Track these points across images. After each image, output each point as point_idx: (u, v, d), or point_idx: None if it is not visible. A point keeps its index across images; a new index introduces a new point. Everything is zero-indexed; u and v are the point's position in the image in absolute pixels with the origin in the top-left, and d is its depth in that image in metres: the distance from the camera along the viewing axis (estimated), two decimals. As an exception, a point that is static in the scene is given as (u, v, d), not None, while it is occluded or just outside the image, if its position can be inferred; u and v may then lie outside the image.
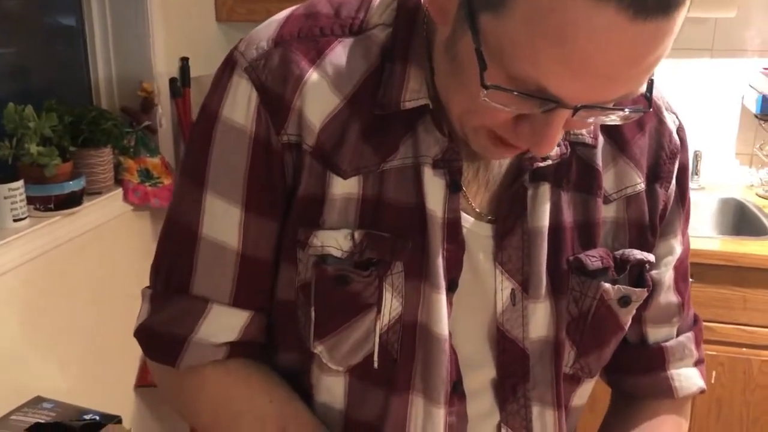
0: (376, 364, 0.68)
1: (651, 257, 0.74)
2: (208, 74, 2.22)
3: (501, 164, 0.69)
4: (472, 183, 0.69)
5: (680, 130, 0.76)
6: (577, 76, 0.51)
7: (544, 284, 0.69)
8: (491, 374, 0.71)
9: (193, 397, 0.72)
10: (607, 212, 0.72)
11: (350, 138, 0.64)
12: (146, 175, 1.98)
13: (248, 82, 0.64)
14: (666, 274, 0.77)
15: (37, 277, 1.67)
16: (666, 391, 0.80)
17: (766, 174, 2.25)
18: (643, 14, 0.48)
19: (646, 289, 0.74)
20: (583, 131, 0.69)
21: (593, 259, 0.70)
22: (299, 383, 0.73)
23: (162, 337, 0.69)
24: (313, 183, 0.65)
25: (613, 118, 0.57)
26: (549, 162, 0.68)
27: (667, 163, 0.74)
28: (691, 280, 0.82)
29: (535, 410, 0.73)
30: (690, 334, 0.81)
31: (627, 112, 0.56)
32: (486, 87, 0.54)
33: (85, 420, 1.47)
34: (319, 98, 0.64)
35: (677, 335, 0.80)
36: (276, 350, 0.75)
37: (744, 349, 1.93)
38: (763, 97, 2.09)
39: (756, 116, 2.18)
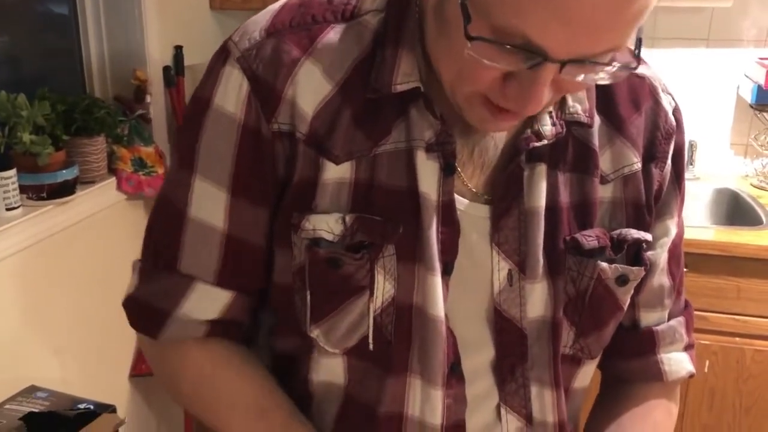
0: (371, 347, 0.69)
1: (648, 236, 0.74)
2: (202, 63, 2.21)
3: (497, 145, 0.70)
4: (468, 165, 0.69)
5: (676, 111, 0.77)
6: (562, 24, 0.50)
7: (541, 264, 0.70)
8: (490, 355, 0.72)
9: (175, 373, 0.75)
10: (604, 192, 0.73)
11: (342, 123, 0.65)
12: (140, 164, 1.97)
13: (240, 71, 0.66)
14: (661, 256, 0.78)
15: (31, 266, 1.67)
16: (656, 375, 0.81)
17: (760, 164, 2.26)
18: None
19: (643, 268, 0.74)
20: (579, 110, 0.70)
21: (590, 238, 0.71)
22: (298, 366, 0.74)
23: (147, 310, 0.72)
24: (306, 169, 0.66)
25: (602, 76, 0.57)
26: (545, 142, 0.68)
27: (663, 143, 0.74)
28: (685, 269, 0.82)
29: (534, 390, 0.73)
30: (681, 319, 0.82)
31: (615, 69, 0.56)
32: (471, 39, 0.54)
33: (79, 409, 1.48)
34: (311, 86, 0.65)
35: (668, 320, 0.81)
36: (275, 336, 0.76)
37: (737, 339, 1.94)
38: (759, 87, 2.09)
39: (751, 106, 2.18)
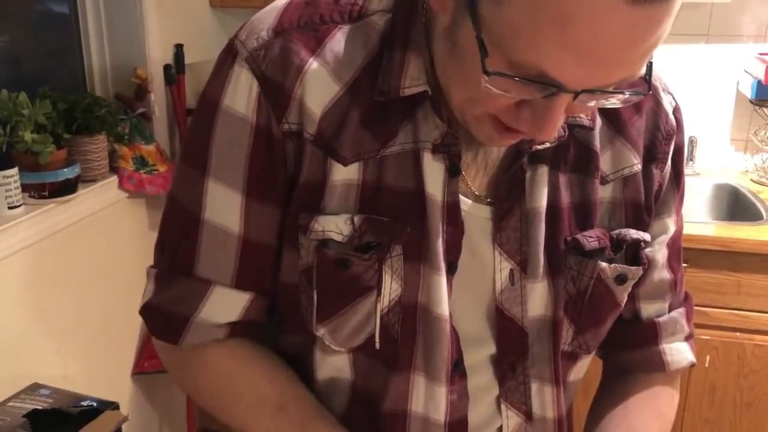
0: (377, 345, 0.69)
1: (647, 236, 0.75)
2: (202, 61, 2.22)
3: (500, 148, 0.70)
4: (471, 166, 0.70)
5: (676, 111, 0.77)
6: (578, 60, 0.51)
7: (542, 264, 0.71)
8: (491, 351, 0.73)
9: (196, 377, 0.75)
10: (604, 193, 0.73)
11: (350, 125, 0.65)
12: (141, 162, 1.98)
13: (249, 72, 0.65)
14: (659, 252, 0.79)
15: (33, 264, 1.67)
16: (658, 365, 0.82)
17: (760, 160, 2.26)
18: None
19: (641, 267, 0.75)
20: (582, 114, 0.70)
21: (590, 239, 0.72)
22: (303, 362, 0.74)
23: (166, 316, 0.71)
24: (314, 170, 0.66)
25: (614, 102, 0.57)
26: (547, 145, 0.69)
27: (663, 144, 0.75)
28: (685, 265, 0.83)
29: (534, 386, 0.75)
30: (681, 310, 0.83)
31: (627, 95, 0.57)
32: (488, 74, 0.54)
33: (82, 406, 1.48)
34: (319, 87, 0.65)
35: (669, 311, 0.82)
36: (280, 333, 0.76)
37: (738, 334, 1.94)
38: (758, 82, 2.09)
39: (751, 102, 2.18)
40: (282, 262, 0.70)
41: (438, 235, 0.67)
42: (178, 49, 2.12)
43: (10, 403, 1.48)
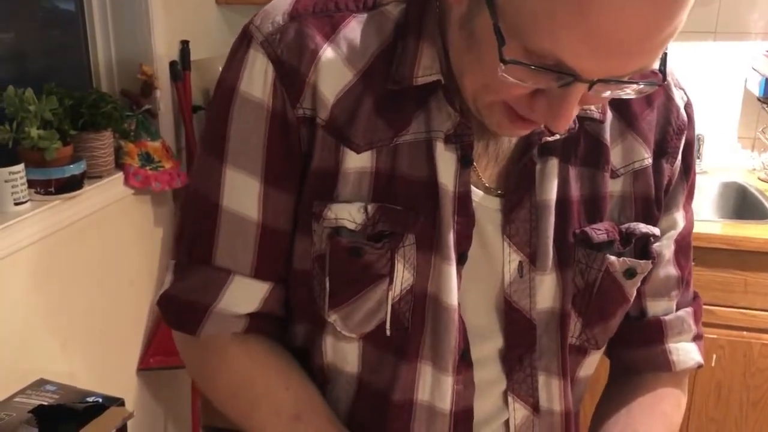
0: (388, 332, 0.69)
1: (656, 231, 0.75)
2: (208, 57, 2.22)
3: (510, 139, 0.70)
4: (482, 157, 0.70)
5: (688, 106, 0.77)
6: (595, 49, 0.51)
7: (551, 257, 0.71)
8: (499, 344, 0.73)
9: (213, 376, 0.74)
10: (614, 187, 0.73)
11: (363, 112, 0.65)
12: (147, 158, 1.98)
13: (264, 56, 0.65)
14: (667, 248, 0.78)
15: (39, 260, 1.68)
16: (663, 365, 0.81)
17: (767, 157, 2.25)
18: None
19: (650, 261, 0.75)
20: (593, 106, 0.70)
21: (599, 232, 0.71)
22: (312, 350, 0.74)
23: (184, 306, 0.71)
24: (326, 156, 0.66)
25: (628, 92, 0.57)
26: (557, 136, 0.69)
27: (674, 138, 0.75)
28: (692, 263, 0.82)
29: (541, 379, 0.74)
30: (689, 309, 0.82)
31: (641, 86, 0.56)
32: (505, 62, 0.54)
33: (87, 402, 1.48)
34: (333, 73, 0.65)
35: (676, 310, 0.81)
36: (290, 320, 0.76)
37: (744, 333, 1.93)
38: (766, 80, 2.08)
39: (759, 99, 2.17)
40: (295, 248, 0.70)
41: (449, 226, 0.67)
42: (184, 45, 2.12)
43: (16, 399, 1.49)
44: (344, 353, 0.73)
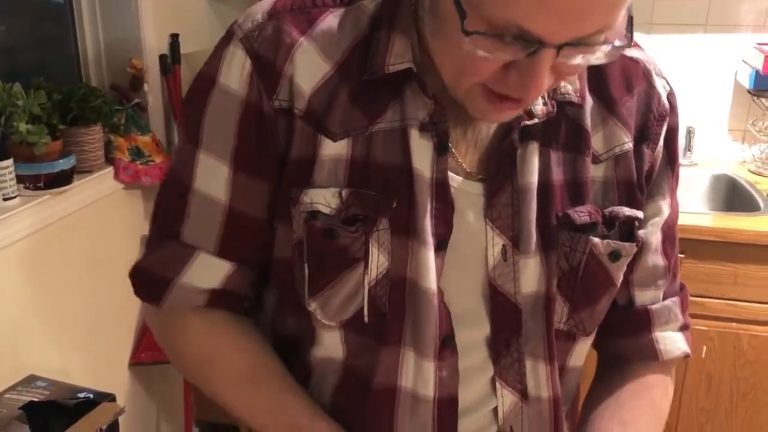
0: (366, 318, 0.70)
1: (639, 214, 0.76)
2: (198, 51, 2.20)
3: (489, 125, 0.71)
4: (461, 143, 0.71)
5: (671, 95, 0.78)
6: (548, 10, 0.53)
7: (534, 240, 0.71)
8: (485, 330, 0.73)
9: (176, 345, 0.78)
10: (596, 172, 0.74)
11: (340, 102, 0.68)
12: (137, 153, 1.97)
13: (243, 51, 0.69)
14: (653, 236, 0.79)
15: (29, 256, 1.67)
16: (650, 354, 0.82)
17: (758, 150, 2.26)
18: None
19: (635, 244, 0.75)
20: (570, 90, 0.71)
21: (581, 214, 0.72)
22: (300, 344, 0.76)
23: (150, 278, 0.75)
24: (304, 145, 0.69)
25: (599, 56, 0.58)
26: (536, 120, 0.70)
27: (655, 125, 0.76)
28: (681, 255, 0.83)
29: (529, 365, 0.75)
30: (676, 299, 0.83)
31: (610, 48, 0.58)
32: (467, 33, 0.56)
33: (79, 398, 1.48)
34: (309, 65, 0.68)
35: (663, 299, 0.82)
36: (278, 315, 0.79)
37: (734, 324, 1.95)
38: (757, 72, 2.09)
39: (749, 92, 2.18)
40: (277, 237, 0.73)
41: (426, 211, 0.69)
42: (174, 39, 2.11)
43: (7, 395, 1.48)
44: (329, 343, 0.74)
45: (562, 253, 0.72)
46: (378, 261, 0.69)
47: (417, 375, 0.72)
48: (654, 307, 0.81)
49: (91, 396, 1.49)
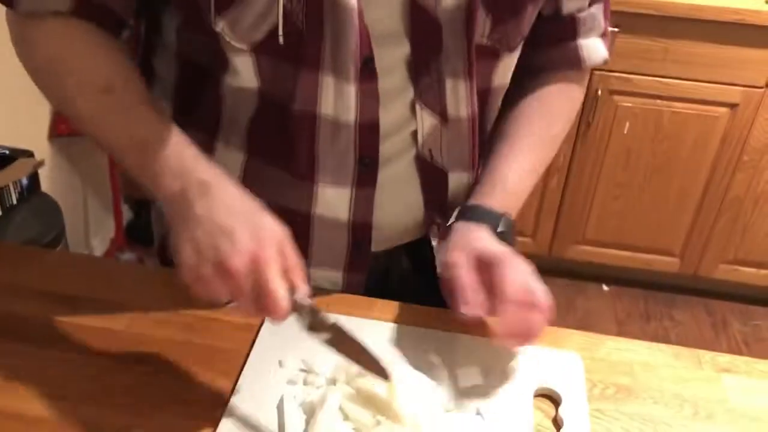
0: (281, 39, 0.65)
1: None
2: None
3: None
4: None
5: None
6: None
7: None
8: (405, 50, 0.70)
9: (30, 50, 0.71)
10: None
11: None
12: None
13: None
14: None
15: None
16: (574, 61, 0.82)
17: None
18: None
19: None
20: None
21: None
22: (209, 72, 0.71)
23: None
24: None
25: None
26: None
27: None
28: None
29: (449, 84, 0.73)
30: (600, 5, 0.82)
31: None
32: None
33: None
34: None
35: (589, 6, 0.80)
36: (182, 39, 0.72)
37: (658, 101, 1.99)
38: None
39: None
40: None
41: None
42: None
43: None
44: (240, 69, 0.69)
45: None
46: None
47: (337, 99, 0.69)
48: (580, 15, 0.80)
49: (7, 152, 1.44)
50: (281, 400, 0.64)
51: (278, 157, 0.74)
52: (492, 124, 0.83)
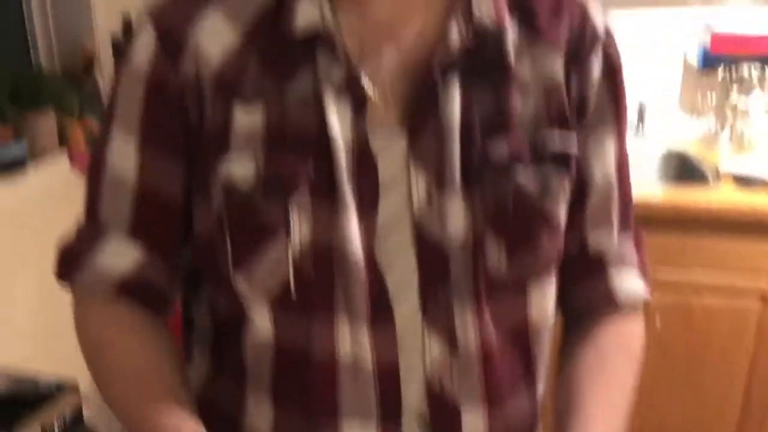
0: (293, 288, 0.69)
1: (570, 146, 0.73)
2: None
3: (406, 74, 0.70)
4: (381, 97, 0.70)
5: (608, 32, 0.75)
6: None
7: (458, 178, 0.69)
8: (414, 283, 0.71)
9: (79, 323, 0.78)
10: (521, 103, 0.71)
11: (251, 68, 0.69)
12: (93, 137, 1.93)
13: (149, 24, 0.71)
14: (598, 172, 0.76)
15: (-18, 245, 1.63)
16: (607, 298, 0.79)
17: (707, 126, 2.31)
18: None
19: (566, 178, 0.72)
20: (484, 15, 0.69)
21: (504, 149, 0.70)
22: (235, 333, 0.74)
23: (67, 254, 0.76)
24: (216, 114, 0.69)
25: None
26: (454, 54, 0.69)
27: (588, 50, 0.73)
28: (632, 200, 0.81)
29: (457, 312, 0.71)
30: (630, 242, 0.81)
31: None
32: None
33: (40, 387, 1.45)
34: (215, 33, 0.69)
35: (618, 243, 0.79)
36: (212, 302, 0.77)
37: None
38: (705, 50, 2.13)
39: (698, 69, 2.22)
40: (195, 213, 0.72)
41: (344, 174, 0.68)
42: (126, 20, 2.07)
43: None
44: (259, 326, 0.71)
45: (489, 189, 0.70)
46: (300, 228, 0.68)
47: (354, 345, 0.70)
48: (608, 249, 0.79)
49: (54, 388, 1.46)
50: None
51: (302, 408, 0.73)
52: (545, 365, 0.80)
